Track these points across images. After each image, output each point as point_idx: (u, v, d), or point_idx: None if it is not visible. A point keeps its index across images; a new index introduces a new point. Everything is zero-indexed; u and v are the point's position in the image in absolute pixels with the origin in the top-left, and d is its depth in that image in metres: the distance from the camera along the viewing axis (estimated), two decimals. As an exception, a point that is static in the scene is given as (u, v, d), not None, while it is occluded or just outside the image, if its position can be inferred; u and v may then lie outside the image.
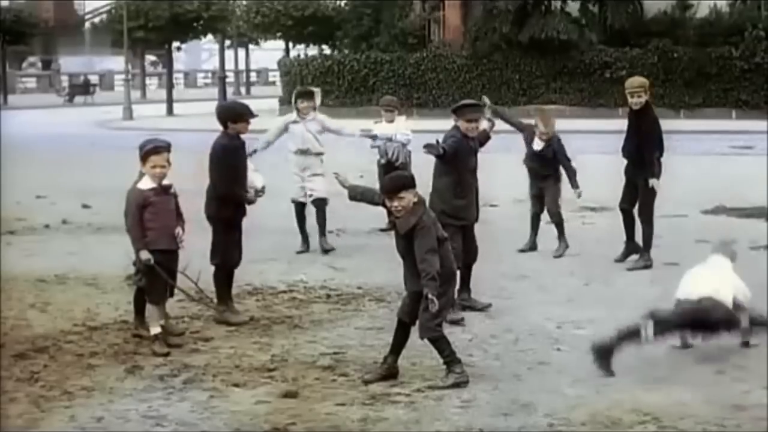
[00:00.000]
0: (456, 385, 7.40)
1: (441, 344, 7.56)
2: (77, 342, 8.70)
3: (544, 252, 12.24)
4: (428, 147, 9.52)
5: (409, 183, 7.58)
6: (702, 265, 8.62)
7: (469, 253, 9.72)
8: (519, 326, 9.14)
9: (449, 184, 9.56)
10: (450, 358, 7.53)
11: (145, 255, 8.42)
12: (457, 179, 9.57)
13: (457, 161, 9.55)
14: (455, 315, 9.03)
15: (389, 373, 7.63)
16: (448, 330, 7.86)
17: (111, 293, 10.37)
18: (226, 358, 8.24)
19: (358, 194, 8.09)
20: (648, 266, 11.49)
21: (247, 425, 6.77)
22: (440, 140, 9.65)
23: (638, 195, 11.67)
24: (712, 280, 8.32)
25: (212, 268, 9.55)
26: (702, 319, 8.12)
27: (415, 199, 7.50)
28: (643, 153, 11.45)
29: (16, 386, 7.53)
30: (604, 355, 7.84)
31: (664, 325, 8.06)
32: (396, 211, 7.52)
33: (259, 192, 9.99)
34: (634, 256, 11.74)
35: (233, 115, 9.68)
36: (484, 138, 10.12)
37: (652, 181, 11.42)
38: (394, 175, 8.04)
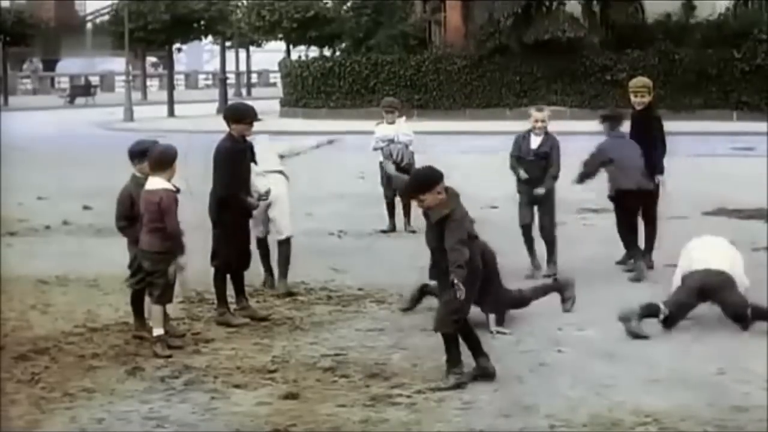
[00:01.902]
0: (457, 386, 7.40)
1: (450, 343, 7.54)
2: (78, 343, 8.71)
3: (543, 254, 12.21)
4: None
5: (426, 185, 7.43)
6: (712, 237, 9.60)
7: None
8: (520, 327, 9.14)
9: None
10: (454, 359, 7.52)
11: (183, 259, 8.49)
12: None
13: None
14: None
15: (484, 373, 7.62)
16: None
17: (112, 294, 10.36)
18: (227, 359, 8.24)
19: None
20: (649, 267, 11.48)
21: (247, 426, 6.77)
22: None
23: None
24: (728, 255, 9.25)
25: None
26: (716, 293, 9.02)
27: (441, 196, 7.39)
28: (647, 152, 11.46)
29: (17, 388, 7.53)
30: (627, 320, 8.76)
31: (681, 310, 8.99)
32: (423, 207, 7.50)
33: (263, 196, 9.98)
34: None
35: (236, 115, 9.70)
36: None
37: (659, 178, 11.45)
38: (412, 179, 7.93)
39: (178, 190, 8.48)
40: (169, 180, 8.45)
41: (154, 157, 8.54)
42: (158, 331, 8.43)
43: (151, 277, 8.54)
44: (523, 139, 11.55)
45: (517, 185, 11.62)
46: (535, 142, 11.48)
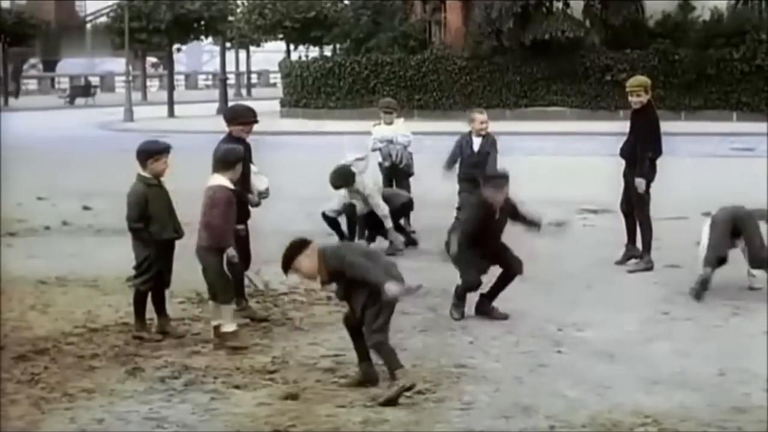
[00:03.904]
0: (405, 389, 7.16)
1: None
2: (78, 344, 8.70)
3: (544, 254, 12.22)
4: None
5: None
6: None
7: None
8: (520, 328, 9.13)
9: None
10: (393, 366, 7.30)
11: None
12: None
13: None
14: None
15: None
16: (449, 333, 7.86)
17: (112, 295, 10.37)
18: (226, 360, 8.23)
19: None
20: (649, 268, 11.48)
21: (247, 427, 6.77)
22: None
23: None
24: None
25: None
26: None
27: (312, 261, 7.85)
28: (636, 152, 11.46)
29: (17, 388, 7.53)
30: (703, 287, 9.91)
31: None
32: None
33: (263, 194, 9.98)
34: (635, 259, 11.74)
35: (231, 115, 9.83)
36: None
37: (638, 181, 11.39)
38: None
39: (234, 191, 8.58)
40: (231, 180, 8.60)
41: (217, 157, 8.75)
42: (230, 327, 8.55)
43: (204, 273, 8.62)
44: (465, 143, 12.59)
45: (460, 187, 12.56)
46: (477, 143, 12.50)
